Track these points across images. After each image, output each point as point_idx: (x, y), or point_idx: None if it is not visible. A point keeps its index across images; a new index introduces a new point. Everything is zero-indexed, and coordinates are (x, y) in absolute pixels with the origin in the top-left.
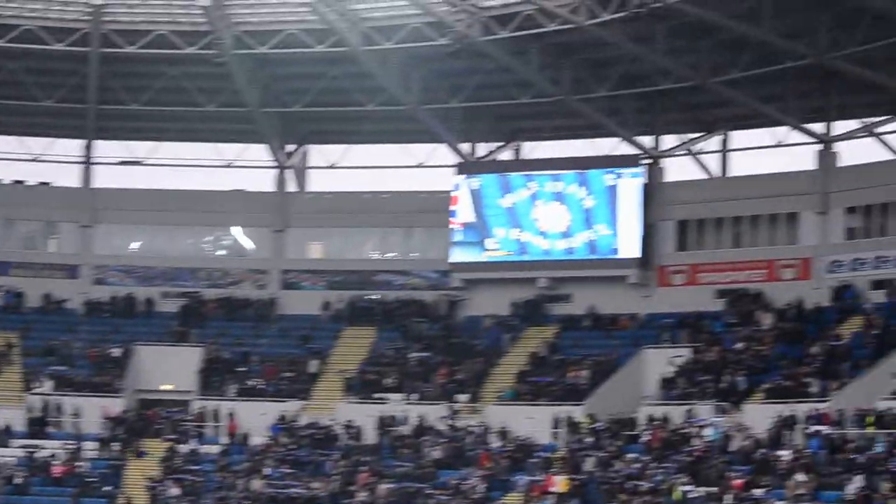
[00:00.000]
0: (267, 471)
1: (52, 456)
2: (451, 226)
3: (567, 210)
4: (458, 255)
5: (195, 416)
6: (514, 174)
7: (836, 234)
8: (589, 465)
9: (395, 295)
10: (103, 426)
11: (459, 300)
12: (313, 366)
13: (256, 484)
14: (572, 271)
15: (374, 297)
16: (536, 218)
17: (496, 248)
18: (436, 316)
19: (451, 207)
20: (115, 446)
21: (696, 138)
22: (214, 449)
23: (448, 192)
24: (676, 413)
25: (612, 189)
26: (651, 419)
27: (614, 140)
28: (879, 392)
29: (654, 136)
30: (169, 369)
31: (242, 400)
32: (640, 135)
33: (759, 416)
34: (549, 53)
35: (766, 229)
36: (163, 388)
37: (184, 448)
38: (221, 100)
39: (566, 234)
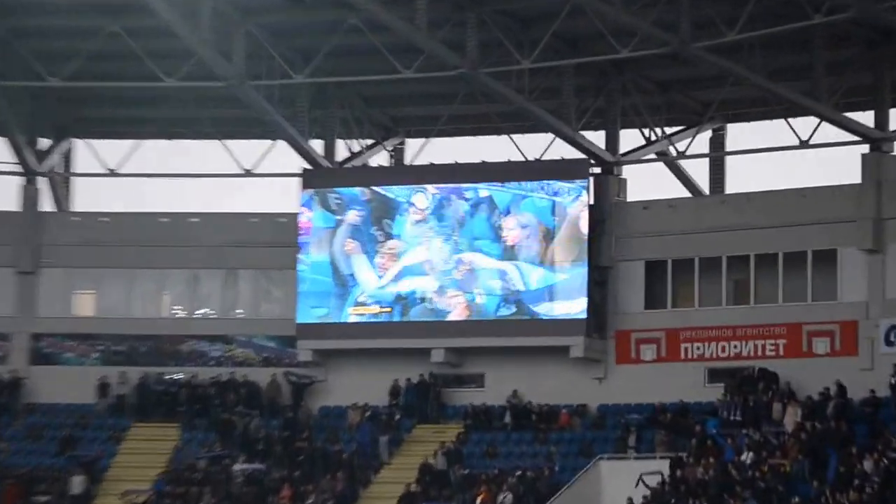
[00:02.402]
0: None
1: None
2: (298, 266)
3: None
4: (307, 314)
5: None
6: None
7: None
8: None
9: (210, 373)
10: None
11: (311, 383)
12: (80, 484)
13: None
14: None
15: (177, 376)
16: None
17: (366, 300)
18: (275, 407)
19: (301, 237)
20: None
21: None
22: None
23: (294, 214)
24: None
25: None
26: None
27: None
28: None
29: None
30: None
31: None
32: None
33: None
34: None
35: None
36: None
37: None
38: None
39: None
